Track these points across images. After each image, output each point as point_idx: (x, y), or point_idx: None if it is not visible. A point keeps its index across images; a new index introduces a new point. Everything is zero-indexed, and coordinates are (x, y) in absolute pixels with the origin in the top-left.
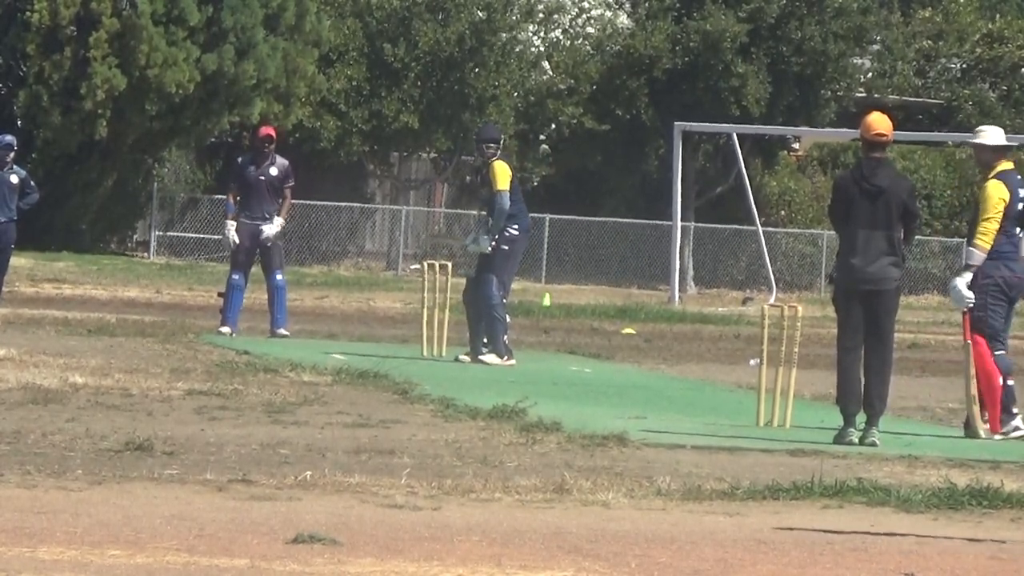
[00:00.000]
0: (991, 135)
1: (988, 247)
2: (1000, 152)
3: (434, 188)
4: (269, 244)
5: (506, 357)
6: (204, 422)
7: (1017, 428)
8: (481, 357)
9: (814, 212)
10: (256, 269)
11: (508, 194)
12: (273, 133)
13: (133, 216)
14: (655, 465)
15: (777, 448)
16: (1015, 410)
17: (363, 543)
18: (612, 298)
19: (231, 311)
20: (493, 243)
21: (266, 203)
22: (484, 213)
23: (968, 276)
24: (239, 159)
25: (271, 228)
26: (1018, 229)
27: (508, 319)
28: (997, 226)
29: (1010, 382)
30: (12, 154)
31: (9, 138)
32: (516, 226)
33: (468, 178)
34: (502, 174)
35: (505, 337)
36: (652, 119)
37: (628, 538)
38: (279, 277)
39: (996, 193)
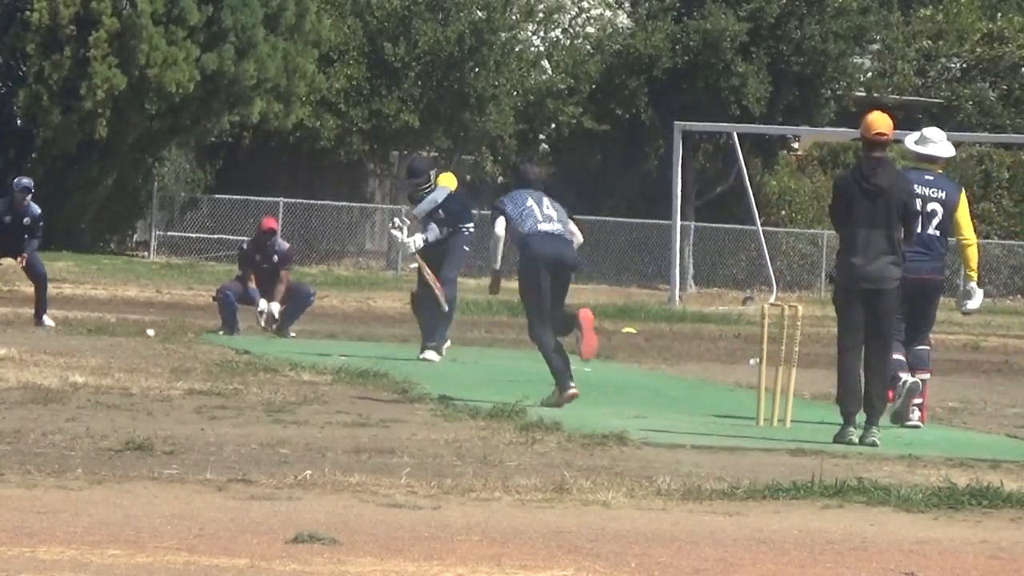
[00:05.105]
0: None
1: None
2: (919, 157)
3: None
4: (274, 323)
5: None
6: (204, 422)
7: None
8: (427, 355)
9: (814, 212)
10: None
11: (447, 190)
12: (275, 226)
13: (133, 216)
14: (655, 465)
15: (777, 448)
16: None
17: (363, 543)
18: (612, 298)
19: (232, 317)
20: (425, 240)
21: (272, 284)
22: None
23: None
24: (244, 247)
25: (275, 307)
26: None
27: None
28: None
29: (903, 376)
30: (29, 196)
31: (27, 181)
32: (472, 225)
33: (468, 177)
34: (446, 178)
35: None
36: (652, 119)
37: (628, 538)
38: (312, 292)
39: None
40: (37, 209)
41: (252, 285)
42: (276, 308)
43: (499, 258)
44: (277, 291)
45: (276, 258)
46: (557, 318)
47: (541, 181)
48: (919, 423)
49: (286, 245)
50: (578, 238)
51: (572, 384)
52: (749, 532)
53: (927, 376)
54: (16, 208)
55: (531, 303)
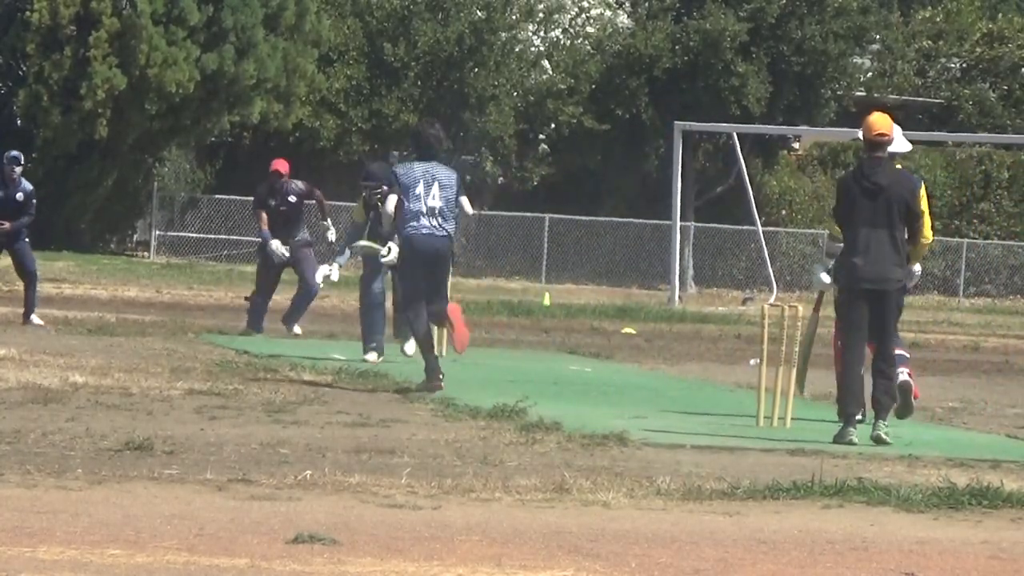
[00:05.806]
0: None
1: None
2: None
3: None
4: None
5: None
6: (204, 422)
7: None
8: (405, 348)
9: (814, 212)
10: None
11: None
12: (281, 169)
13: (133, 216)
14: (655, 465)
15: (777, 448)
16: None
17: (363, 543)
18: (612, 298)
19: (261, 318)
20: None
21: (292, 226)
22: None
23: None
24: (258, 188)
25: (331, 234)
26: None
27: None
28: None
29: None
30: (19, 168)
31: (15, 153)
32: None
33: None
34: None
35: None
36: (652, 119)
37: (628, 538)
38: (314, 284)
39: None
40: (29, 185)
41: (264, 227)
42: (332, 234)
43: (389, 227)
44: (321, 212)
45: (293, 199)
46: (440, 309)
47: (439, 144)
48: (908, 378)
49: (300, 183)
50: (467, 210)
51: (441, 377)
52: (749, 532)
53: (906, 354)
54: (7, 182)
55: (406, 288)
